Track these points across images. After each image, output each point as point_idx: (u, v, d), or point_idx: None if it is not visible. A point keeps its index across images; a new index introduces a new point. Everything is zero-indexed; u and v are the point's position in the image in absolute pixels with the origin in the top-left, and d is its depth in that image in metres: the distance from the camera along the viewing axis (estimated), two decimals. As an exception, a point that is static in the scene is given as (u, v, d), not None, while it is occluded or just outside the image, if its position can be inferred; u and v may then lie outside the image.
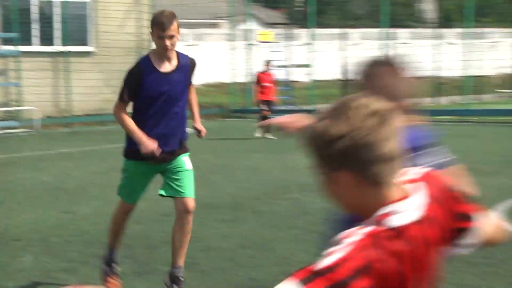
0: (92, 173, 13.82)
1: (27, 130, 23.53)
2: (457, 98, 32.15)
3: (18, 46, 24.37)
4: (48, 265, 8.11)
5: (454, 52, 33.87)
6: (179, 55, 5.78)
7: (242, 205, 11.07)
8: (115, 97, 24.76)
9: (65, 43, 27.72)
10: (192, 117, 6.20)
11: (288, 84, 31.32)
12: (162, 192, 5.85)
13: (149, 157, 5.64)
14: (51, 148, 18.78)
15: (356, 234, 1.86)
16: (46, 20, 26.83)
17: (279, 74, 26.61)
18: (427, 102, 32.10)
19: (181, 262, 5.81)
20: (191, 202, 5.71)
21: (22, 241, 9.51)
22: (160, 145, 5.56)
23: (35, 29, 26.48)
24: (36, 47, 26.42)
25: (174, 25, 5.48)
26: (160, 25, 5.47)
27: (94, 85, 27.45)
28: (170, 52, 5.64)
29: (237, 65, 31.10)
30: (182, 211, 5.63)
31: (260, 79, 21.90)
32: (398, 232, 1.89)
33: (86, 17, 28.47)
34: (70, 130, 25.04)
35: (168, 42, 5.43)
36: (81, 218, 10.64)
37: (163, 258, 6.92)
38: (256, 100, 22.70)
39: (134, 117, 5.77)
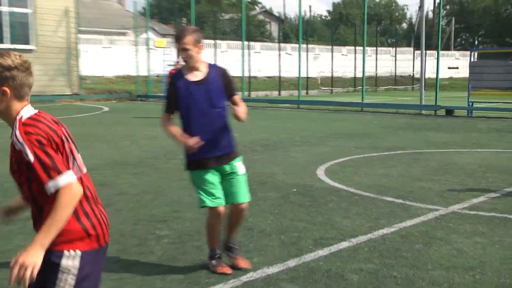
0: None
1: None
2: (293, 92, 30.94)
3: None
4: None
5: (291, 60, 33.68)
6: (209, 65, 4.65)
7: (145, 163, 10.38)
8: (51, 83, 22.69)
9: (12, 42, 24.84)
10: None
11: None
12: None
13: (204, 163, 4.47)
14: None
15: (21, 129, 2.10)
16: (-2, 25, 26.22)
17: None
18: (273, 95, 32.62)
19: (233, 236, 4.57)
20: (244, 206, 4.56)
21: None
22: (208, 151, 4.40)
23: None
24: (-9, 45, 25.04)
25: (188, 39, 4.33)
26: (176, 38, 4.50)
27: (35, 74, 25.34)
28: (194, 63, 4.47)
29: (140, 63, 28.88)
30: (236, 212, 4.50)
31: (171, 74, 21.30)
32: (36, 115, 2.14)
33: (28, 24, 25.68)
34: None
35: (183, 54, 4.45)
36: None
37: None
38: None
39: (181, 125, 4.63)
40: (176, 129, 4.48)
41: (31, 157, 2.05)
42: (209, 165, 4.36)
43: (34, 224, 2.18)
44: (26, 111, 2.19)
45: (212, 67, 4.57)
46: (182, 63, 4.65)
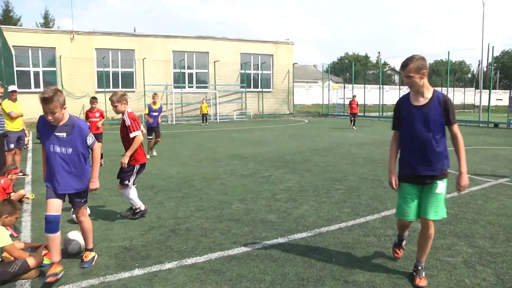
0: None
1: None
2: None
3: None
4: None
5: None
6: (434, 91, 4.50)
7: (327, 149, 16.70)
8: (279, 107, 48.79)
9: (261, 87, 40.38)
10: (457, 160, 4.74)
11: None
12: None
13: (409, 179, 4.64)
14: None
15: None
16: None
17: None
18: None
19: (422, 259, 4.65)
20: (430, 224, 4.52)
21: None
22: (419, 169, 4.54)
23: None
24: None
25: (411, 66, 4.35)
26: (402, 66, 4.49)
27: (273, 104, 40.94)
28: (420, 88, 4.44)
29: (324, 97, 43.99)
30: (423, 227, 4.58)
31: None
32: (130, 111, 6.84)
33: (271, 78, 41.20)
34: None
35: (406, 81, 4.44)
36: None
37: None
38: None
39: (401, 141, 4.71)
40: (393, 150, 4.76)
41: (127, 123, 6.65)
42: (414, 181, 4.59)
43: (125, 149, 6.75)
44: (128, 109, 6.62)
45: (437, 94, 4.48)
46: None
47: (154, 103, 14.45)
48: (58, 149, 4.81)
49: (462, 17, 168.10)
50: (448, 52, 32.59)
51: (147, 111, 14.49)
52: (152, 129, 14.29)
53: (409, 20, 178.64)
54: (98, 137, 9.93)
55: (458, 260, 5.14)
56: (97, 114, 12.55)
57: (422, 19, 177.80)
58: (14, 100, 10.50)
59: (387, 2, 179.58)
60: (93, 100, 12.58)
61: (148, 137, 14.03)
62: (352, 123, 26.47)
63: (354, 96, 26.84)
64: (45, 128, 4.82)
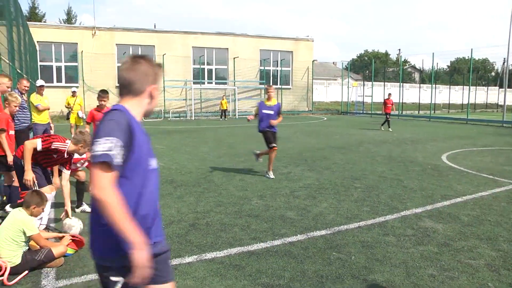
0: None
1: None
2: (423, 112, 44.19)
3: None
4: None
5: (426, 93, 48.49)
6: None
7: (347, 147, 17.45)
8: (299, 104, 46.13)
9: (281, 84, 40.11)
10: None
11: None
12: None
13: None
14: None
15: None
16: None
17: None
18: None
19: None
20: None
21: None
22: None
23: None
24: None
25: None
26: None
27: (292, 100, 40.78)
28: None
29: (343, 95, 43.67)
30: None
31: None
32: None
33: (290, 76, 41.13)
34: None
35: None
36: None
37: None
38: None
39: None
40: None
41: None
42: None
43: None
44: None
45: None
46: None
47: (269, 98, 10.32)
48: None
49: (485, 13, 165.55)
50: (471, 49, 31.94)
51: (257, 111, 10.41)
52: (268, 133, 10.17)
53: (429, 16, 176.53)
54: None
55: (481, 263, 5.04)
56: None
57: (443, 15, 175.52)
58: (41, 94, 10.81)
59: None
60: (103, 95, 8.60)
61: (271, 145, 10.15)
62: (387, 123, 23.74)
63: (389, 95, 24.74)
64: None
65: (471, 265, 4.99)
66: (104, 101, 8.48)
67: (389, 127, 23.42)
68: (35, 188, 5.71)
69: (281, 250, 5.35)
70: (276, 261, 5.00)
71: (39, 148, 5.84)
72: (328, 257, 5.13)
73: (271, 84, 36.88)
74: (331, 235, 5.91)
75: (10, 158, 6.52)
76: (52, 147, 5.92)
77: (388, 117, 23.64)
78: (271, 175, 9.94)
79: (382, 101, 26.85)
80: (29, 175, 5.75)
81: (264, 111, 10.15)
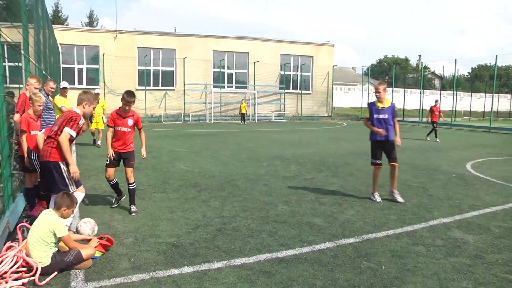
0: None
1: None
2: (445, 119, 43.39)
3: None
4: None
5: (447, 100, 47.30)
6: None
7: (368, 153, 16.85)
8: (318, 110, 44.78)
9: (300, 89, 40.06)
10: None
11: None
12: None
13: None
14: None
15: None
16: None
17: None
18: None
19: None
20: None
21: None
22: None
23: None
24: None
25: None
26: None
27: (311, 106, 40.71)
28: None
29: (363, 100, 42.75)
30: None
31: None
32: None
33: (310, 81, 40.76)
34: None
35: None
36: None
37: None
38: None
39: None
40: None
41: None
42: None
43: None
44: None
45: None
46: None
47: (380, 99, 8.41)
48: None
49: (506, 19, 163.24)
50: (496, 56, 31.51)
51: (368, 115, 8.64)
52: (381, 145, 8.52)
53: (450, 22, 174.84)
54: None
55: (518, 277, 4.87)
56: (130, 122, 7.25)
57: (464, 21, 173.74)
58: (65, 95, 10.95)
59: (430, 2, 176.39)
60: (130, 97, 7.11)
61: (374, 161, 8.62)
62: (434, 133, 21.93)
63: (436, 101, 22.92)
64: None
65: (508, 280, 4.83)
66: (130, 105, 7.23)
67: (436, 137, 21.84)
68: (72, 187, 5.74)
69: (310, 257, 5.29)
70: (306, 269, 4.93)
71: (73, 135, 5.84)
72: (358, 266, 5.05)
73: (290, 88, 36.53)
74: (360, 243, 5.83)
75: (26, 159, 6.57)
76: (80, 126, 5.97)
77: (435, 126, 21.89)
78: (399, 197, 8.35)
79: (402, 107, 25.91)
80: (75, 167, 5.75)
81: (376, 115, 8.42)
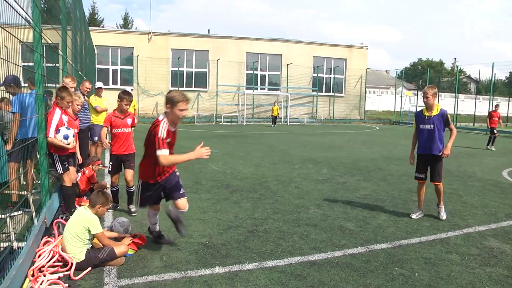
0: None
1: None
2: (479, 124, 42.02)
3: None
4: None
5: (482, 105, 43.67)
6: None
7: (401, 158, 17.20)
8: (350, 113, 44.80)
9: (332, 92, 39.80)
10: None
11: None
12: None
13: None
14: None
15: None
16: None
17: None
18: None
19: None
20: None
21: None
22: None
23: None
24: None
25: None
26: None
27: (344, 109, 40.64)
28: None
29: (396, 104, 42.74)
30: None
31: None
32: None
33: (343, 83, 40.58)
34: None
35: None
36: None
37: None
38: None
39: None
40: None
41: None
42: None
43: None
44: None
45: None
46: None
47: (428, 105, 7.28)
48: None
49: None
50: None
51: (415, 125, 7.61)
52: (425, 159, 7.44)
53: (487, 25, 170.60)
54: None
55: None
56: (129, 121, 7.42)
57: (499, 23, 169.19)
58: (100, 95, 11.15)
59: (464, 4, 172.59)
60: (130, 96, 7.27)
61: (416, 175, 7.62)
62: (492, 140, 20.03)
63: (496, 106, 20.86)
64: None
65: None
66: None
67: (492, 145, 19.96)
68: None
69: (342, 261, 5.25)
70: (338, 273, 4.90)
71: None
72: (390, 272, 4.99)
73: (323, 91, 36.34)
74: (392, 249, 5.75)
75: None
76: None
77: (495, 132, 20.05)
78: (442, 213, 7.43)
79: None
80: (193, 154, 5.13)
81: (421, 126, 7.35)
